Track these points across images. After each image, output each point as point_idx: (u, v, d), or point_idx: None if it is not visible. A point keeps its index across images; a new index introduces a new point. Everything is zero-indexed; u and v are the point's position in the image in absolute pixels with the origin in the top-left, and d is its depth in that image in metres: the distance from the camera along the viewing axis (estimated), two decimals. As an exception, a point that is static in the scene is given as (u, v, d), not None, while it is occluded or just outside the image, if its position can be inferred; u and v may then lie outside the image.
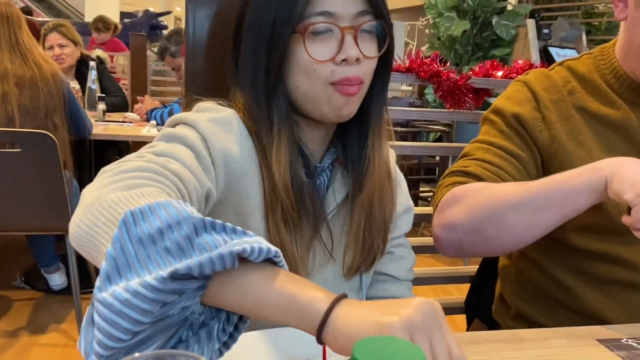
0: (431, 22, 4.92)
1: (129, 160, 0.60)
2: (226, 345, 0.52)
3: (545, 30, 4.20)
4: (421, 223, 3.65)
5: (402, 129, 3.92)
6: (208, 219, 0.48)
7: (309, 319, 0.46)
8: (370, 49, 0.73)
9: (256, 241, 0.47)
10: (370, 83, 0.76)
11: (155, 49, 3.58)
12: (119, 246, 0.45)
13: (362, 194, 0.79)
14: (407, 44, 8.18)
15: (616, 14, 0.91)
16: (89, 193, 0.54)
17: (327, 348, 0.58)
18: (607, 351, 0.70)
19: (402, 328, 0.43)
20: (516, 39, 4.49)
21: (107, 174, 0.57)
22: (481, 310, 1.21)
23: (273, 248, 0.48)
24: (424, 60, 1.21)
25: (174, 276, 0.43)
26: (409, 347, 0.33)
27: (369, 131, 0.79)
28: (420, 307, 0.45)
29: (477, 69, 1.28)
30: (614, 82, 0.93)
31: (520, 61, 1.29)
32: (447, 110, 1.28)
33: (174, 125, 0.73)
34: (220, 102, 0.78)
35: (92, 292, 0.46)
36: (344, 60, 0.70)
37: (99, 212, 0.50)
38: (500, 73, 1.24)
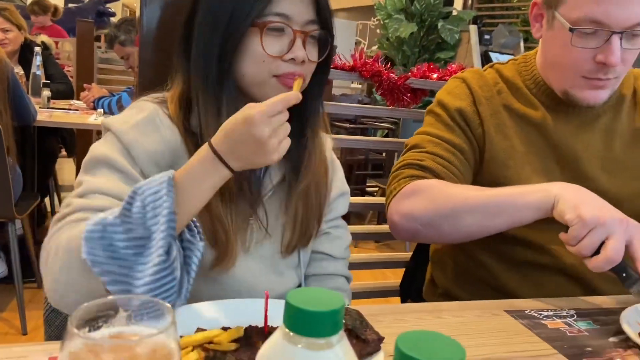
0: (381, 22, 5.06)
1: (58, 220, 0.70)
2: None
3: (487, 36, 4.41)
4: (368, 213, 3.78)
5: (351, 125, 4.03)
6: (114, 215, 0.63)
7: (213, 167, 0.67)
8: (313, 53, 0.81)
9: (152, 186, 0.64)
10: (309, 84, 0.84)
11: (103, 36, 3.52)
12: (107, 275, 0.61)
13: (300, 184, 0.86)
14: (358, 43, 8.32)
15: (533, 32, 1.04)
16: (46, 269, 0.68)
17: (268, 314, 0.65)
18: (512, 319, 0.81)
19: None
20: (460, 43, 4.70)
21: (47, 242, 0.70)
22: (414, 292, 1.32)
23: (160, 179, 0.65)
24: (367, 60, 1.30)
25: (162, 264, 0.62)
26: (332, 294, 0.41)
27: (306, 127, 0.86)
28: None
29: (416, 71, 1.38)
30: (533, 87, 1.05)
31: (454, 65, 1.40)
32: (387, 107, 1.38)
33: (105, 130, 0.79)
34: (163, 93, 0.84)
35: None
36: (291, 59, 0.77)
37: (66, 273, 0.66)
38: (435, 75, 1.36)
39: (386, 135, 4.62)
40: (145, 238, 0.63)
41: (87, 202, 0.70)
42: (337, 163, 0.99)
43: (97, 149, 0.76)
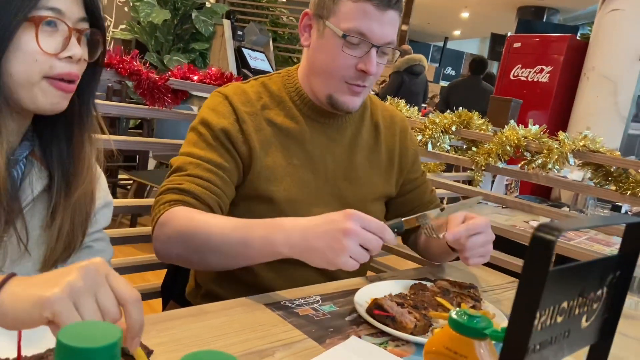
0: (131, 5, 4.78)
1: None
2: None
3: (239, 32, 4.59)
4: (119, 214, 3.57)
5: (102, 113, 3.72)
6: None
7: None
8: (86, 53, 0.78)
9: None
10: (80, 85, 0.80)
11: None
12: None
13: (72, 193, 0.81)
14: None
15: (302, 41, 1.15)
16: None
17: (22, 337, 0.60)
18: (270, 312, 0.90)
19: (63, 297, 0.50)
20: (214, 36, 4.77)
21: None
22: (176, 292, 1.33)
23: None
24: (124, 57, 1.24)
25: None
26: (107, 326, 0.41)
27: (75, 133, 0.82)
28: (81, 271, 0.52)
29: (176, 71, 1.38)
30: (297, 99, 1.15)
31: (213, 68, 1.44)
32: (146, 107, 1.34)
33: None
34: None
35: None
36: (68, 57, 0.74)
37: None
38: (196, 77, 1.38)
39: (140, 124, 4.41)
40: None
41: None
42: (99, 171, 0.94)
43: None
